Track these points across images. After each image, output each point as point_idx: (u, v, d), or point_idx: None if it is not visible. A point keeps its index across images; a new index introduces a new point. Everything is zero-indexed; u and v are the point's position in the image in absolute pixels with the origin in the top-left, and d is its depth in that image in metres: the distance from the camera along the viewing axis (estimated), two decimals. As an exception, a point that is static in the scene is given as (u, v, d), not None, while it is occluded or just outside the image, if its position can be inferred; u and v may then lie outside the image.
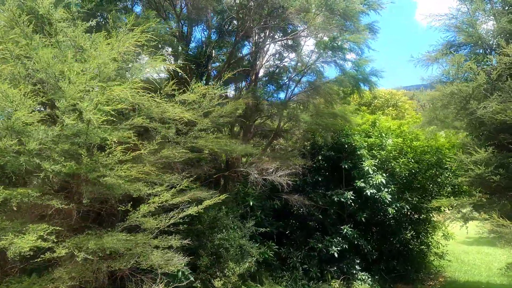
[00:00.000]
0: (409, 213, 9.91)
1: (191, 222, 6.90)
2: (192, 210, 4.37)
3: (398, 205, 8.56)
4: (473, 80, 5.87)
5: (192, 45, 10.24)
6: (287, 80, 10.09)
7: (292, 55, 11.11)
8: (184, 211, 4.42)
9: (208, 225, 6.74)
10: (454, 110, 7.01)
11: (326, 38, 8.13)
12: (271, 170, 7.27)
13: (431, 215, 10.04)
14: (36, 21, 4.01)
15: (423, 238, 10.30)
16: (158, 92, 4.47)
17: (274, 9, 7.68)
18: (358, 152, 8.64)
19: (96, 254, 3.47)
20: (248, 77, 10.28)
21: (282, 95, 11.49)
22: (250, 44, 10.95)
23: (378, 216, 9.52)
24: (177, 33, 7.38)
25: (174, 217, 4.51)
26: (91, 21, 4.02)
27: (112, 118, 3.81)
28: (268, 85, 10.44)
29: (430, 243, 10.26)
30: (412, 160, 9.01)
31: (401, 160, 8.78)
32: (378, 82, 9.55)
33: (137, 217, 3.80)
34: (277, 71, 11.21)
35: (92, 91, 3.59)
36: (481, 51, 6.74)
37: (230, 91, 11.87)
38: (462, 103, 6.22)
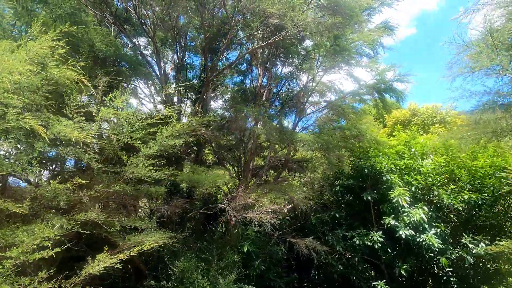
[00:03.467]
0: (480, 263, 7.00)
1: (157, 276, 5.55)
2: (88, 269, 3.05)
3: (454, 253, 5.99)
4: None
5: (191, 74, 9.90)
6: (292, 101, 8.78)
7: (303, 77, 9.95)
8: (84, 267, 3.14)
9: (178, 279, 5.27)
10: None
11: (327, 43, 6.77)
12: (262, 207, 5.68)
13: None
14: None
15: (508, 300, 7.10)
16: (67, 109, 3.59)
17: (263, 20, 6.76)
18: (384, 178, 6.51)
19: None
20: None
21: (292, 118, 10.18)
22: (256, 68, 10.19)
23: (428, 266, 6.89)
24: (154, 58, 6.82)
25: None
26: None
27: None
28: (272, 107, 9.22)
29: (521, 309, 6.98)
30: (468, 186, 6.47)
31: (450, 187, 6.36)
32: (405, 92, 7.57)
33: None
34: (283, 93, 10.08)
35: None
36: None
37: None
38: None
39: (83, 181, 3.15)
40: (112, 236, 4.36)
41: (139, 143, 4.24)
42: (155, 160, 4.64)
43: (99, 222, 3.57)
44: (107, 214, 3.83)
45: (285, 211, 8.50)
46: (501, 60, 4.16)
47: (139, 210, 6.85)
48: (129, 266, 6.69)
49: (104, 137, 3.93)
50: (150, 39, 6.56)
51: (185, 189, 7.37)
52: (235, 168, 10.09)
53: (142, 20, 5.77)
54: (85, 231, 3.51)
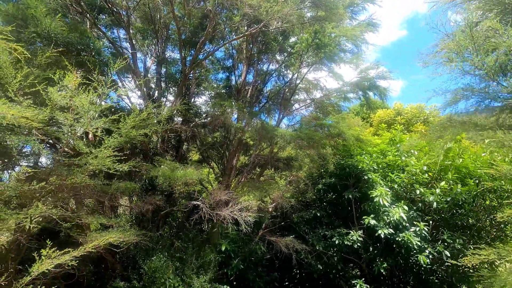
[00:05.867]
0: (459, 263, 6.92)
1: (128, 277, 5.32)
2: (36, 267, 2.81)
3: (433, 251, 5.92)
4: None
5: (174, 68, 9.65)
6: (277, 97, 8.62)
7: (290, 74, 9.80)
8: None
9: (150, 279, 5.06)
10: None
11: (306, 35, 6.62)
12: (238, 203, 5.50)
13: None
14: None
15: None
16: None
17: (241, 12, 6.57)
18: (365, 177, 6.42)
19: None
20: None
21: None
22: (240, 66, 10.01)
23: (408, 264, 6.83)
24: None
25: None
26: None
27: None
28: (257, 104, 9.04)
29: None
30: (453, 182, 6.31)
31: (440, 185, 6.16)
32: (389, 89, 7.50)
33: None
34: (268, 90, 9.93)
35: None
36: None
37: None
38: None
39: (29, 170, 2.93)
40: (75, 234, 4.13)
41: (101, 133, 4.03)
42: (124, 153, 4.41)
43: (54, 217, 3.33)
44: (73, 211, 3.60)
45: (270, 209, 8.36)
46: (475, 60, 4.06)
47: (121, 207, 6.60)
48: (102, 266, 6.44)
49: (62, 125, 3.68)
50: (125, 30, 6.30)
51: (163, 186, 7.14)
52: (220, 166, 9.87)
53: (115, 9, 5.52)
54: (37, 226, 3.28)
